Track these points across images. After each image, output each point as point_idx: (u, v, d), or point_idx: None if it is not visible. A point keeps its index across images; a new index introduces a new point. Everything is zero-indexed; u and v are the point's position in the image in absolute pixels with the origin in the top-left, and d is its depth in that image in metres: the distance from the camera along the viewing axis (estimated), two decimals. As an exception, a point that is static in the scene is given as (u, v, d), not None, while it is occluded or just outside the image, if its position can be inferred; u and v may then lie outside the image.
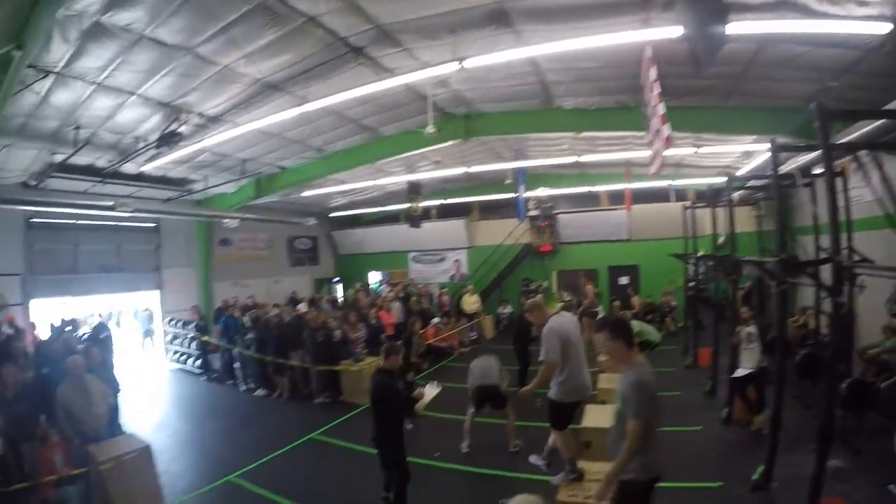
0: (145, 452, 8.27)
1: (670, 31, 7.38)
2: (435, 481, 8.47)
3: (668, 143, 8.09)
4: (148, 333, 20.67)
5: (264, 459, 9.81)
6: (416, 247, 26.45)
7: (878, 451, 7.81)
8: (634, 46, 8.60)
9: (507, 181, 20.08)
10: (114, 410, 9.23)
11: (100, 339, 12.89)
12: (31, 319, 15.21)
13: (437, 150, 15.98)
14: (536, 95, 12.56)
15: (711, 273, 16.02)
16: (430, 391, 9.01)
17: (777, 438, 7.35)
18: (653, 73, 8.22)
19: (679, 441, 8.64)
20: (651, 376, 4.68)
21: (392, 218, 26.81)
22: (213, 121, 12.71)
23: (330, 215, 26.80)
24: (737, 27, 6.88)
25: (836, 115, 7.29)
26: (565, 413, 7.19)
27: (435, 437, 10.26)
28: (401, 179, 19.81)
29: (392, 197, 23.89)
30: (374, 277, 27.82)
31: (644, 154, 13.25)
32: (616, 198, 21.81)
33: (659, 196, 21.47)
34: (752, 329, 9.78)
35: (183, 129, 12.27)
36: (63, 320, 14.08)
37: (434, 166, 18.62)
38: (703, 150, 15.47)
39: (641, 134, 11.70)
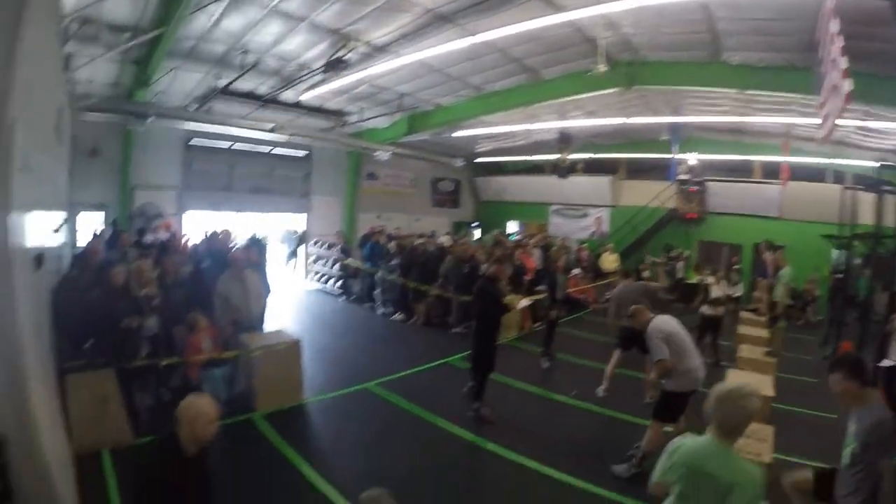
0: (295, 346, 9.21)
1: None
2: (569, 418, 9.07)
3: (848, 99, 7.84)
4: (293, 255, 22.18)
5: (400, 374, 10.62)
6: (559, 200, 26.49)
7: None
8: (814, -1, 8.53)
9: (663, 138, 20.06)
10: (263, 309, 10.13)
11: (256, 243, 13.94)
12: (186, 227, 16.99)
13: (594, 98, 16.07)
14: (704, 47, 12.48)
15: (861, 267, 15.56)
16: (524, 302, 10.94)
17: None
18: (834, 25, 8.00)
19: (818, 425, 8.69)
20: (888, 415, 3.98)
21: (536, 169, 27.10)
22: (379, 51, 13.28)
23: (475, 161, 27.21)
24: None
25: None
26: (679, 403, 6.98)
27: (571, 378, 10.72)
28: (552, 126, 19.84)
29: (540, 146, 23.94)
30: (511, 227, 28.01)
31: (806, 122, 12.87)
32: (770, 172, 20.89)
33: (815, 175, 20.34)
34: None
35: (349, 56, 12.94)
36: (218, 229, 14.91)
37: (587, 115, 18.70)
38: (872, 125, 14.45)
39: (806, 99, 11.60)
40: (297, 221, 21.89)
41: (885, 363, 8.99)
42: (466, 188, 28.98)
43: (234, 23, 11.60)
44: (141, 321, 7.93)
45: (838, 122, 11.01)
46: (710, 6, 10.47)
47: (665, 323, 7.14)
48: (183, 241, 14.41)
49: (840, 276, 15.44)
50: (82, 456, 6.33)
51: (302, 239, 21.86)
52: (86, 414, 6.81)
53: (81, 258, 9.63)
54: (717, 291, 12.18)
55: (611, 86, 14.14)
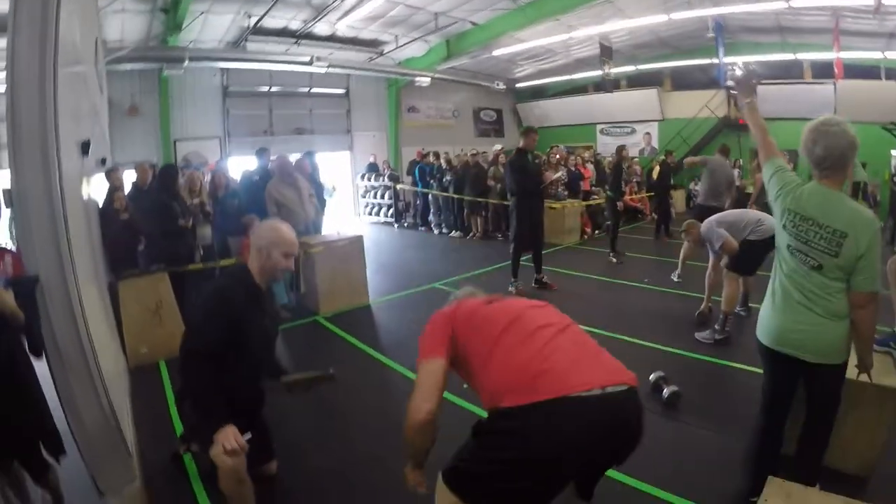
0: (357, 241, 9.05)
1: None
2: (643, 299, 8.95)
3: None
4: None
5: (464, 275, 10.52)
6: (604, 119, 25.90)
7: None
8: None
9: (708, 35, 19.09)
10: (320, 218, 9.90)
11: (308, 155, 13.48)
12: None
13: (632, -1, 15.45)
14: None
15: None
16: (557, 173, 10.70)
17: None
18: None
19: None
20: None
21: (579, 89, 26.33)
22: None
23: (516, 86, 26.58)
24: None
25: None
26: (757, 253, 6.59)
27: (641, 270, 10.66)
28: (591, 33, 18.89)
29: (580, 65, 23.40)
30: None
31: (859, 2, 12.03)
32: (820, 73, 19.91)
33: (868, 73, 18.96)
34: None
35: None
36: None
37: (626, 19, 17.84)
38: None
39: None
40: (341, 159, 21.54)
41: None
42: (509, 116, 28.42)
43: None
44: (194, 223, 7.90)
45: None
46: None
47: (709, 219, 7.01)
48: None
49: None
50: (137, 367, 6.36)
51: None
52: (141, 321, 6.69)
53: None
54: None
55: None
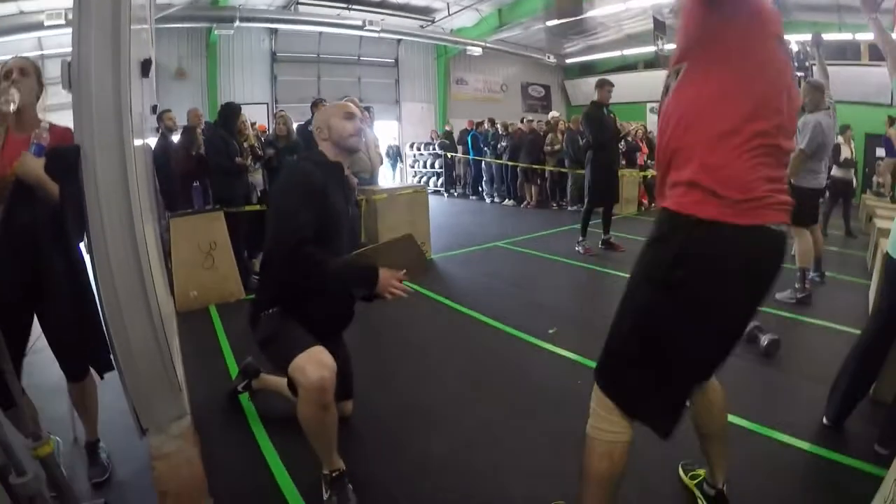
0: (421, 192, 8.80)
1: None
2: None
3: None
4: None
5: (525, 236, 10.28)
6: (655, 97, 24.33)
7: None
8: None
9: (767, 11, 18.28)
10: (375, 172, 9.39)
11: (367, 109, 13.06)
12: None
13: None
14: None
15: None
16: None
17: None
18: None
19: None
20: None
21: (629, 66, 25.43)
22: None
23: (565, 62, 25.90)
24: None
25: None
26: (812, 201, 6.40)
27: None
28: (643, 4, 18.43)
29: (631, 41, 22.58)
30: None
31: None
32: (878, 53, 18.87)
33: None
34: None
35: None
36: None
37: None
38: None
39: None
40: (389, 129, 21.14)
41: None
42: (557, 93, 27.65)
43: None
44: (249, 165, 7.39)
45: None
46: None
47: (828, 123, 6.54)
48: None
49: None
50: (186, 311, 6.00)
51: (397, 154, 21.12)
52: (192, 263, 6.26)
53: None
54: (846, 151, 11.27)
55: None
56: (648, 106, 24.81)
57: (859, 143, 19.01)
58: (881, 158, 17.01)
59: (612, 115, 9.06)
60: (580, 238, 8.90)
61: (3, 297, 2.49)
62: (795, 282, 6.32)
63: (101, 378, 2.92)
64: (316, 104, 9.22)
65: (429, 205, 8.90)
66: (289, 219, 2.70)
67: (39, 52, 13.39)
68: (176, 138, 8.01)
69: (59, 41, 12.46)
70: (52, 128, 2.74)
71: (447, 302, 6.36)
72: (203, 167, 7.22)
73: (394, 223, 7.97)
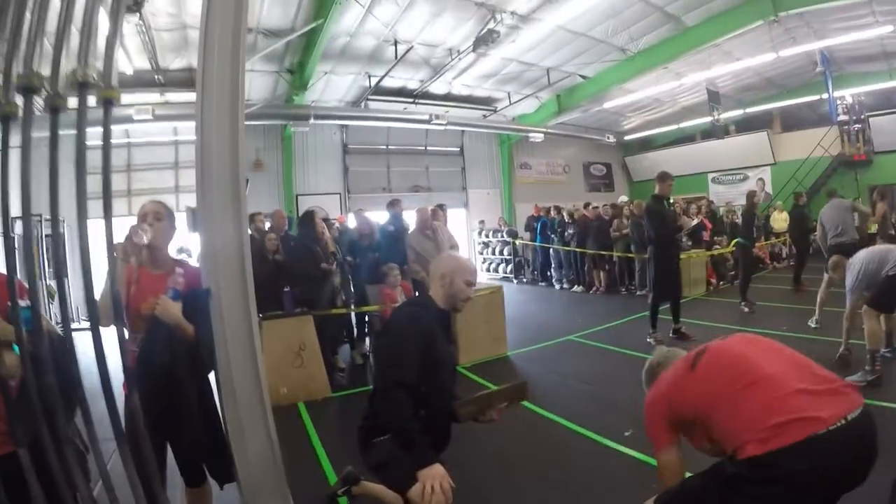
0: (498, 292, 9.00)
1: None
2: (791, 345, 8.17)
3: None
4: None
5: (597, 328, 10.17)
6: (715, 167, 24.97)
7: None
8: None
9: (816, 70, 18.34)
10: None
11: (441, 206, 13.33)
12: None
13: (737, 42, 15.19)
14: None
15: None
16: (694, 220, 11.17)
17: None
18: None
19: None
20: None
21: (687, 138, 25.75)
22: (524, 20, 12.93)
23: (624, 139, 26.32)
24: None
25: None
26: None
27: (774, 318, 9.95)
28: (699, 79, 18.53)
29: (687, 113, 22.87)
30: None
31: None
32: None
33: None
34: None
35: (498, 28, 12.54)
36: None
37: (732, 60, 17.27)
38: None
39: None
40: (457, 216, 21.38)
41: None
42: (618, 170, 27.94)
43: (383, 12, 11.59)
44: (332, 269, 7.87)
45: None
46: None
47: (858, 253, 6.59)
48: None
49: None
50: (276, 407, 6.13)
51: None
52: (283, 362, 6.62)
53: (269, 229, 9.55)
54: None
55: (754, 18, 13.35)
56: (710, 176, 24.91)
57: None
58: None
59: (673, 207, 9.16)
60: (650, 330, 8.84)
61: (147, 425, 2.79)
62: (866, 363, 6.19)
63: (221, 489, 3.22)
64: (393, 204, 9.66)
65: (504, 303, 9.06)
66: (395, 360, 3.00)
67: (126, 140, 14.51)
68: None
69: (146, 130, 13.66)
70: (185, 269, 3.12)
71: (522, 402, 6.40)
72: (284, 272, 7.66)
73: (471, 323, 8.23)
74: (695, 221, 11.52)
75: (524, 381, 3.48)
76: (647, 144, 27.31)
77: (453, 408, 3.13)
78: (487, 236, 19.70)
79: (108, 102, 2.13)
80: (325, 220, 11.23)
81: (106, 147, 2.18)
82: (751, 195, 12.00)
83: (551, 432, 5.55)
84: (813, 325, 8.73)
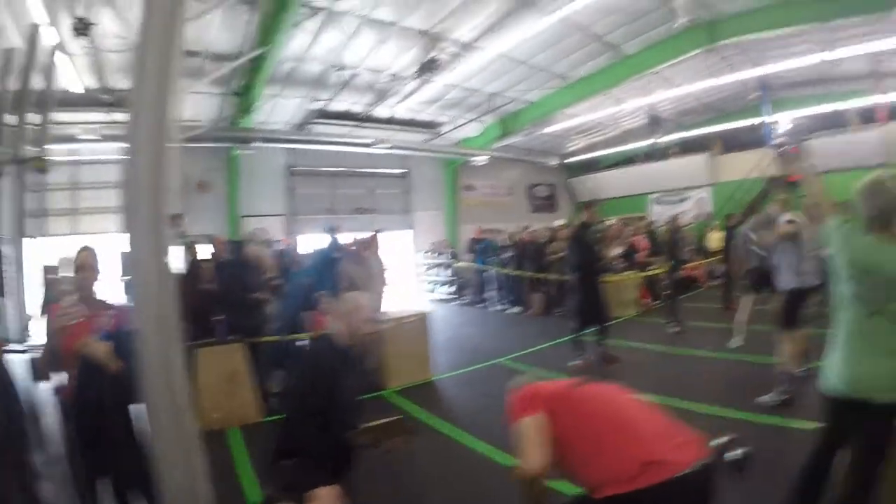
0: (422, 319, 9.20)
1: None
2: (705, 366, 8.79)
3: None
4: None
5: (527, 351, 10.44)
6: (656, 188, 25.61)
7: None
8: None
9: (750, 96, 19.46)
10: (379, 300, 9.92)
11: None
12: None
13: (678, 69, 15.86)
14: None
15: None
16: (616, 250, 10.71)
17: None
18: None
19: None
20: None
21: (629, 160, 26.36)
22: (467, 48, 13.37)
23: (567, 161, 26.73)
24: None
25: None
26: (800, 301, 6.63)
27: (700, 338, 10.45)
28: (639, 105, 19.17)
29: (629, 136, 23.49)
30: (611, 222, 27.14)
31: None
32: (866, 120, 19.60)
33: None
34: None
35: (439, 57, 13.06)
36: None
37: (673, 88, 17.96)
38: None
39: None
40: (401, 238, 21.70)
41: None
42: (562, 191, 28.45)
43: (329, 39, 11.96)
44: (266, 297, 8.03)
45: None
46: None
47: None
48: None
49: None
50: (209, 432, 6.22)
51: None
52: (215, 388, 6.80)
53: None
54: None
55: (691, 48, 13.90)
56: (651, 197, 25.55)
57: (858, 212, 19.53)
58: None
59: (607, 229, 9.51)
60: (576, 353, 9.05)
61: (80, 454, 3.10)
62: (779, 383, 6.47)
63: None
64: (333, 229, 9.94)
65: (429, 330, 9.32)
66: (296, 395, 3.66)
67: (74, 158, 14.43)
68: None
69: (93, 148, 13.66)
70: (116, 310, 3.50)
71: (446, 427, 6.67)
72: (216, 300, 7.81)
73: (398, 350, 8.62)
74: (618, 251, 11.91)
75: (400, 417, 3.91)
76: (590, 166, 27.75)
77: (352, 436, 3.55)
78: (431, 258, 20.03)
79: (40, 171, 2.44)
80: (268, 243, 11.44)
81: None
82: (673, 218, 12.51)
83: (468, 457, 5.76)
84: (735, 345, 9.13)
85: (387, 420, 3.83)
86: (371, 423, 3.77)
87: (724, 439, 4.97)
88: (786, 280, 6.76)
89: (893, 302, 3.03)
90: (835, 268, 3.32)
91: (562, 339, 10.90)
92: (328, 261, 9.26)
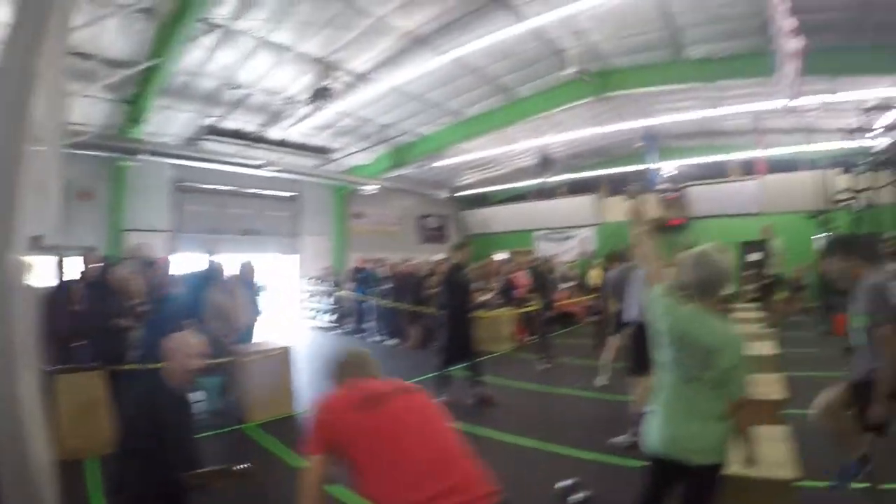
0: (285, 352, 9.06)
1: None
2: (570, 405, 9.02)
3: (800, 54, 8.04)
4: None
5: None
6: (543, 225, 26.58)
7: None
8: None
9: (636, 145, 20.40)
10: (251, 329, 9.86)
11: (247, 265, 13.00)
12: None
13: (568, 114, 16.57)
14: (667, 45, 12.88)
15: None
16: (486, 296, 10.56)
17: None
18: None
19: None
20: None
21: (519, 197, 27.21)
22: (361, 79, 13.61)
23: (458, 194, 27.31)
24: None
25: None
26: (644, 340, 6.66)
27: (570, 376, 10.73)
28: (530, 146, 20.00)
29: (520, 173, 24.23)
30: (500, 257, 27.56)
31: (775, 106, 13.11)
32: (748, 168, 21.42)
33: (790, 166, 20.52)
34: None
35: (333, 85, 13.19)
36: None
37: (563, 132, 18.71)
38: (834, 97, 14.33)
39: (770, 81, 11.63)
40: (288, 262, 21.46)
41: None
42: (452, 223, 28.95)
43: (224, 56, 11.90)
44: (130, 324, 7.76)
45: (804, 102, 11.15)
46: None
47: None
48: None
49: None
50: (65, 461, 5.89)
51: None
52: (72, 417, 6.61)
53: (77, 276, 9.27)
54: None
55: (582, 96, 14.61)
56: (538, 233, 26.63)
57: (735, 251, 21.19)
58: (755, 262, 18.17)
59: (469, 277, 9.64)
60: (440, 390, 8.89)
61: None
62: (630, 424, 6.50)
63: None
64: (207, 252, 9.77)
65: (292, 363, 9.14)
66: (124, 432, 3.69)
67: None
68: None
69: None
70: None
71: (302, 463, 6.55)
72: (79, 324, 7.48)
73: (261, 383, 8.49)
74: (487, 296, 12.14)
75: (245, 468, 3.80)
76: (481, 200, 28.54)
77: (184, 475, 3.60)
78: (314, 285, 19.88)
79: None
80: (147, 260, 10.99)
81: None
82: (545, 260, 12.85)
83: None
84: (601, 384, 9.43)
85: (217, 468, 3.86)
86: (202, 470, 3.80)
87: (568, 482, 5.24)
88: (630, 313, 6.90)
89: (709, 371, 3.18)
90: (656, 333, 3.46)
91: (433, 374, 10.70)
92: (198, 286, 9.10)
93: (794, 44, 8.10)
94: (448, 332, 9.11)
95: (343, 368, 3.50)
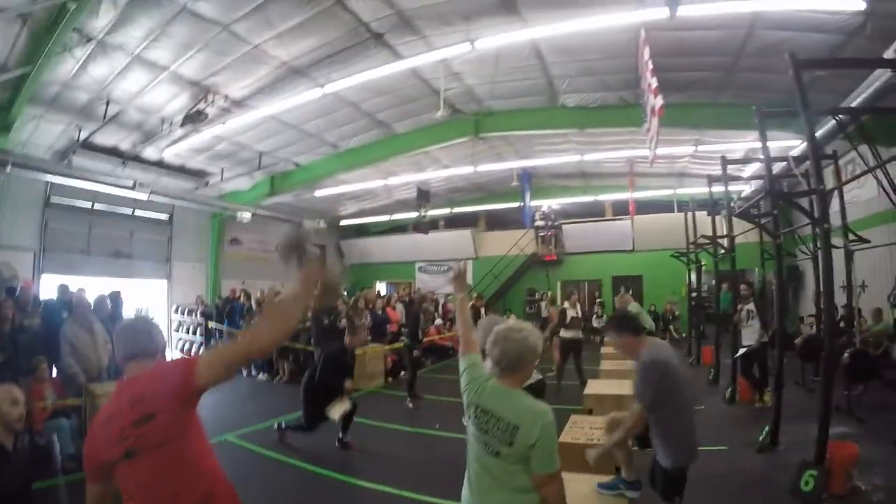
0: None
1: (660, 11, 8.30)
2: (436, 448, 8.94)
3: (660, 112, 8.87)
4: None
5: (259, 425, 10.15)
6: (423, 257, 27.36)
7: (884, 421, 8.47)
8: (631, 35, 9.74)
9: (514, 183, 21.24)
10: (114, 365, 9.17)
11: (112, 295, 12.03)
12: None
13: (447, 151, 17.28)
14: (542, 92, 13.58)
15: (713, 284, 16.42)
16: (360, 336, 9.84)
17: (780, 401, 7.85)
18: (646, 52, 9.14)
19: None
20: (666, 352, 4.65)
21: (399, 228, 27.75)
22: (237, 105, 13.61)
23: (339, 224, 27.60)
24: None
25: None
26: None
27: (437, 414, 10.73)
28: (410, 180, 20.53)
29: (400, 205, 24.85)
30: (380, 287, 28.21)
31: (643, 153, 14.08)
32: (620, 210, 23.28)
33: (662, 207, 22.40)
34: (751, 306, 10.34)
35: (209, 110, 13.16)
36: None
37: (442, 168, 19.51)
38: (701, 148, 15.91)
39: (641, 133, 12.54)
40: (157, 288, 20.69)
41: (741, 352, 10.52)
42: (332, 252, 28.87)
43: (98, 69, 11.58)
44: None
45: (675, 151, 12.11)
46: (543, 52, 11.50)
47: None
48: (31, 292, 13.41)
49: (695, 293, 17.44)
50: None
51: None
52: None
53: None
54: (572, 313, 12.56)
55: (459, 135, 15.20)
56: (417, 265, 27.56)
57: (608, 285, 23.98)
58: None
59: (337, 318, 9.78)
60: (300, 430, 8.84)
61: None
62: None
63: None
64: (63, 288, 9.66)
65: None
66: None
67: None
68: None
69: None
70: None
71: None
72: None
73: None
74: (360, 336, 12.35)
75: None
76: (361, 230, 28.99)
77: None
78: (183, 315, 19.33)
79: None
80: (10, 287, 10.60)
81: None
82: (419, 299, 13.09)
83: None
84: (466, 422, 9.68)
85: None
86: None
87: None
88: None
89: (509, 446, 3.18)
90: (464, 404, 3.52)
91: (294, 414, 10.21)
92: (55, 319, 8.83)
93: (658, 101, 8.97)
94: (311, 377, 8.89)
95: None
